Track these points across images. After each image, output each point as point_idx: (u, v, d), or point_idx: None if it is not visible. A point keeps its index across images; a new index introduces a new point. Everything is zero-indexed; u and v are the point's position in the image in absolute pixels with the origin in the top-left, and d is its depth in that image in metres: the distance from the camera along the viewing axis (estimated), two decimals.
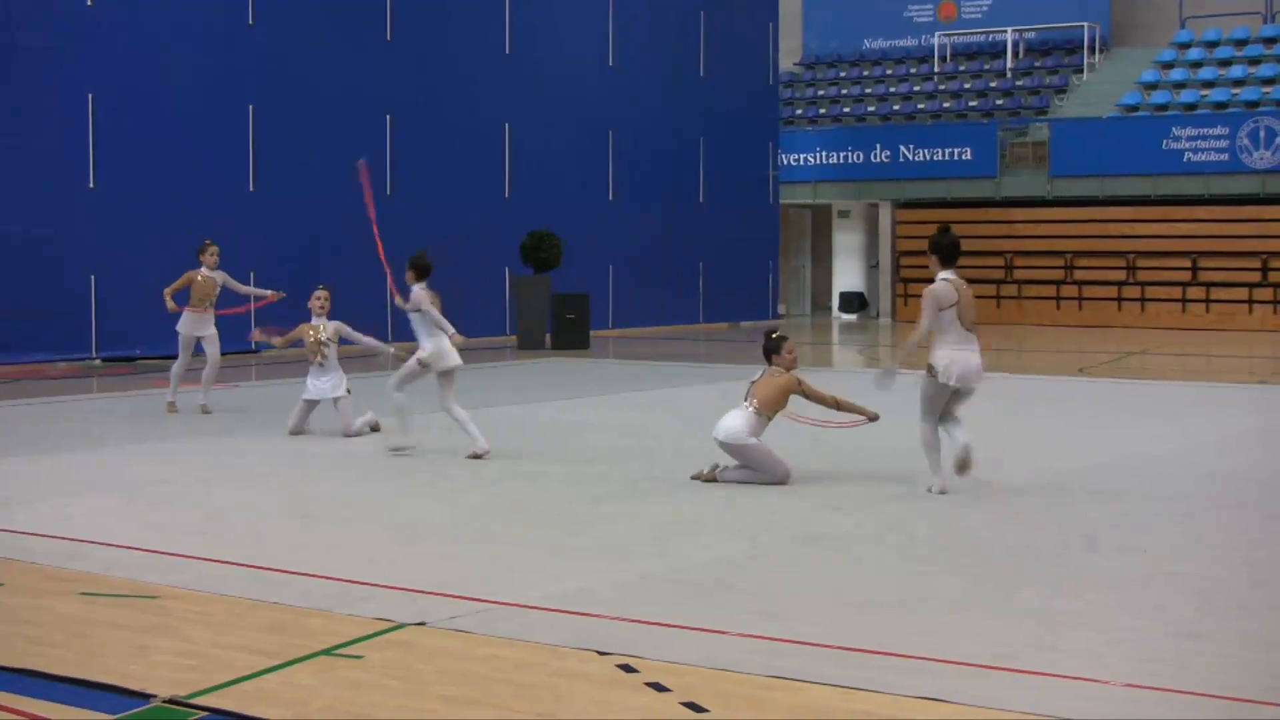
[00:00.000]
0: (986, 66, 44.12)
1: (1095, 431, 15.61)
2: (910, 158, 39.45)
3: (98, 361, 23.93)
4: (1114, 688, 6.46)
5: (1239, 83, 38.91)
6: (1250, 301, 35.19)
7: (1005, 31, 43.73)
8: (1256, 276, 35.15)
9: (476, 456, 13.41)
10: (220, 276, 17.23)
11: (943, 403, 11.74)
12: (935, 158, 39.13)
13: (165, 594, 8.17)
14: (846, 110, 43.83)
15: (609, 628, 7.40)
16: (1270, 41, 40.32)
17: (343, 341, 15.44)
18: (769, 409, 11.96)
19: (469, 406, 14.05)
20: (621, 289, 33.46)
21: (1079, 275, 37.16)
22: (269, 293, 17.32)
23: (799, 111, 44.21)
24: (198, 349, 17.21)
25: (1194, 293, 35.73)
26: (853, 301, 42.28)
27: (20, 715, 6.07)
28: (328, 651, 6.96)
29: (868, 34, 46.40)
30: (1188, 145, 35.93)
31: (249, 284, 18.73)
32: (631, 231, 33.76)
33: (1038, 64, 43.56)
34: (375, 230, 14.70)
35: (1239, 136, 35.37)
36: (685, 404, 18.20)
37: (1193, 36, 41.49)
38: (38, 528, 10.00)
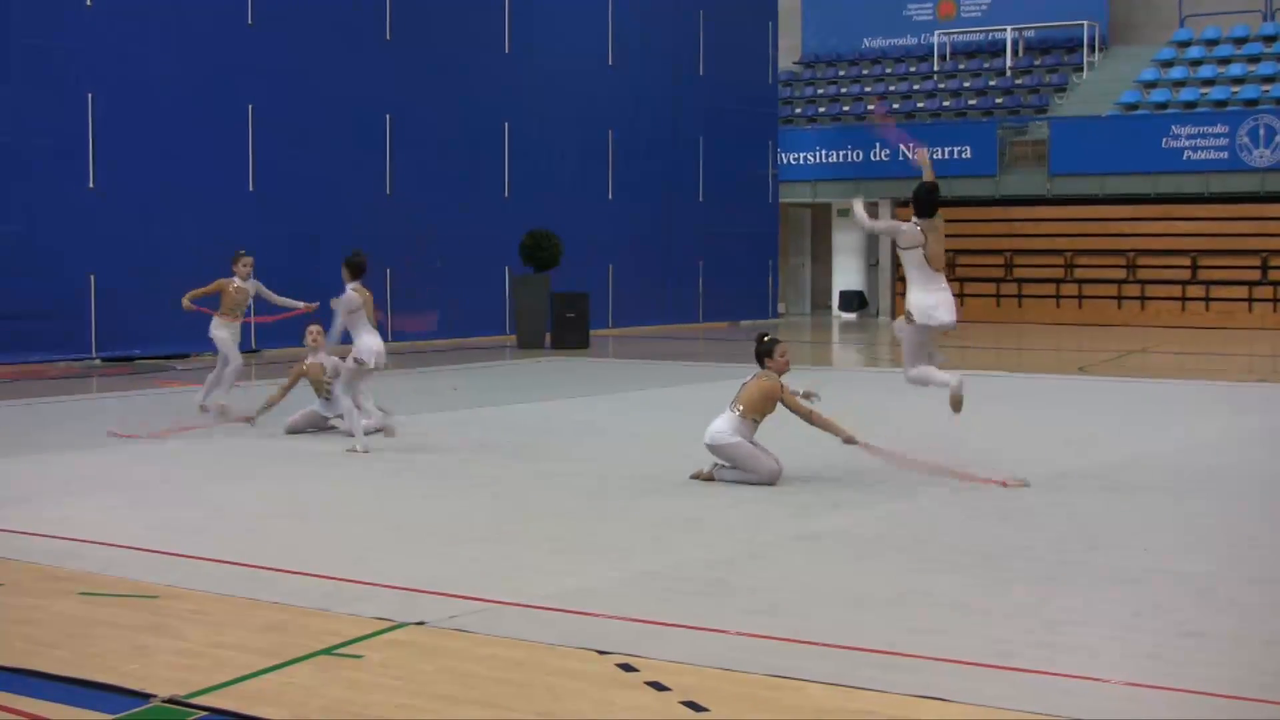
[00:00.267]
0: (986, 65, 44.12)
1: (1095, 430, 15.60)
2: (910, 156, 39.38)
3: (97, 361, 23.93)
4: (1114, 686, 6.46)
5: (1238, 81, 38.90)
6: (1250, 300, 35.18)
7: (1005, 30, 43.72)
8: (1256, 275, 35.15)
9: (353, 452, 13.76)
10: (253, 287, 17.22)
11: (926, 346, 12.45)
12: (935, 156, 38.84)
13: (164, 593, 8.16)
14: (846, 109, 43.82)
15: (608, 627, 7.39)
16: (1269, 40, 40.31)
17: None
18: (752, 412, 11.98)
19: (471, 406, 14.05)
20: (621, 288, 33.46)
21: (1079, 274, 37.16)
22: (301, 304, 17.28)
23: (798, 110, 44.20)
24: (210, 349, 17.22)
25: (1194, 291, 35.73)
26: (852, 300, 42.28)
27: (19, 715, 6.06)
28: (327, 651, 6.96)
29: (867, 32, 46.39)
30: (1187, 144, 35.93)
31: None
32: (631, 230, 33.76)
33: (1037, 62, 43.55)
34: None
35: (1238, 135, 35.36)
36: (685, 403, 18.18)
37: (1192, 35, 41.48)
38: (37, 527, 10.00)
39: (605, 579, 8.53)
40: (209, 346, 17.28)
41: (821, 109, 44.22)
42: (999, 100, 41.86)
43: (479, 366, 24.17)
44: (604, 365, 24.89)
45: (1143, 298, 36.28)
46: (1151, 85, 39.68)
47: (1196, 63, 40.31)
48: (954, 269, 37.80)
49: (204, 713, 6.08)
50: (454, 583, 8.33)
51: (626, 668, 6.66)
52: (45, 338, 23.39)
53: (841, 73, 46.06)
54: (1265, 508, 11.22)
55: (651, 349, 28.15)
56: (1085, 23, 42.19)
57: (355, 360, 14.09)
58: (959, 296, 37.46)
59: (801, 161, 41.04)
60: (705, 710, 6.08)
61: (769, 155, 38.59)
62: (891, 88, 44.30)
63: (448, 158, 29.50)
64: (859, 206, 13.15)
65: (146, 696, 6.27)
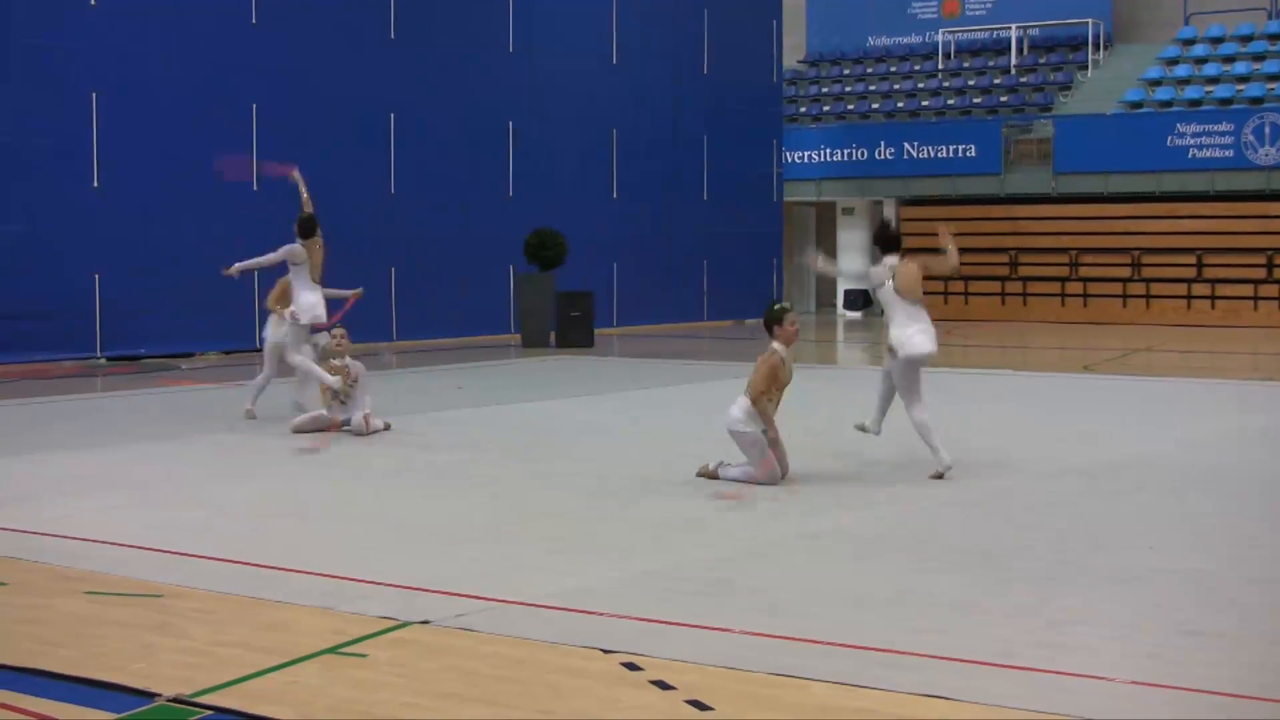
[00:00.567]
0: (990, 63, 44.10)
1: (1099, 428, 15.59)
2: (914, 155, 39.43)
3: (102, 360, 23.94)
4: (1116, 684, 6.46)
5: (1243, 79, 38.88)
6: (1255, 298, 35.17)
7: (1009, 28, 43.71)
8: (1261, 273, 35.14)
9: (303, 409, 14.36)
10: None
11: (918, 379, 12.34)
12: (939, 155, 39.11)
13: (169, 593, 8.17)
14: (850, 107, 43.82)
15: (612, 625, 7.40)
16: (1275, 38, 40.28)
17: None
18: (760, 393, 11.88)
19: (475, 405, 14.05)
20: (626, 287, 33.46)
21: (1084, 272, 37.14)
22: (349, 292, 17.29)
23: (803, 109, 44.19)
24: (251, 346, 17.20)
25: (1199, 289, 35.71)
26: (857, 299, 42.24)
27: (25, 714, 6.07)
28: (332, 650, 6.97)
29: (871, 31, 46.36)
30: (1192, 142, 35.91)
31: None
32: (635, 229, 33.77)
33: (1042, 60, 43.53)
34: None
35: (1244, 133, 35.34)
36: (688, 402, 18.19)
37: (1197, 33, 41.45)
38: (42, 527, 10.01)
39: (607, 578, 8.54)
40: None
41: (826, 107, 44.21)
42: (1004, 98, 41.84)
43: (484, 365, 24.18)
44: (608, 364, 24.89)
45: (1148, 296, 36.26)
46: (1156, 83, 39.65)
47: (1201, 60, 40.29)
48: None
49: (209, 712, 6.09)
50: (456, 582, 8.34)
51: (631, 666, 6.67)
52: (50, 337, 23.41)
53: (846, 71, 46.05)
54: (1267, 507, 11.21)
55: (656, 348, 28.15)
56: (1090, 21, 42.17)
57: (291, 316, 14.35)
58: (963, 294, 37.63)
59: (806, 160, 41.03)
60: (710, 709, 6.08)
61: (773, 154, 38.58)
62: (896, 86, 44.28)
63: (451, 157, 29.51)
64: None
65: (152, 695, 6.28)
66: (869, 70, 45.73)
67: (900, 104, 43.15)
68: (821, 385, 18.54)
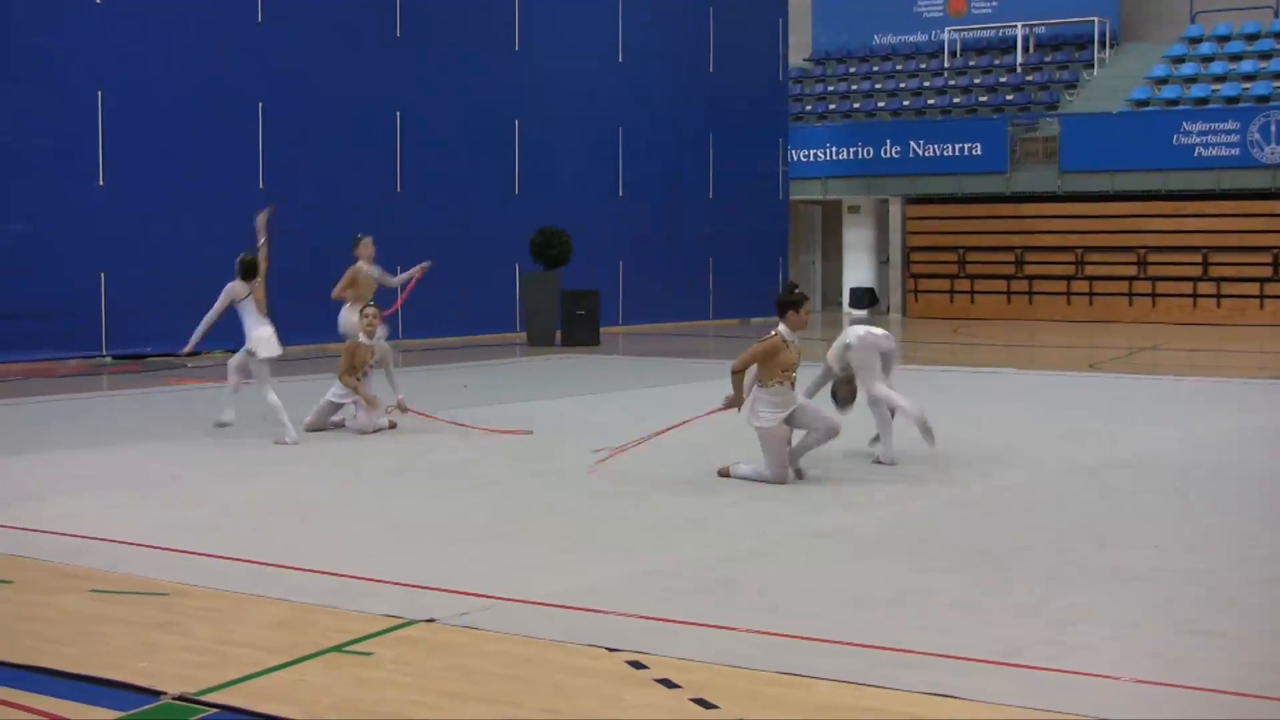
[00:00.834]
0: (996, 62, 44.07)
1: (1104, 427, 15.57)
2: (920, 153, 39.38)
3: (108, 359, 23.95)
4: (1119, 683, 6.45)
5: (1250, 77, 38.84)
6: (1261, 296, 35.12)
7: (1015, 26, 43.68)
8: (1267, 271, 35.09)
9: (282, 443, 14.04)
10: (377, 272, 17.32)
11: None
12: (945, 153, 39.06)
13: (173, 591, 8.17)
14: (856, 106, 43.79)
15: (616, 624, 7.39)
16: None
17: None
18: (769, 378, 11.76)
19: (482, 404, 14.04)
20: (631, 285, 33.44)
21: (1089, 270, 37.10)
22: (417, 269, 17.36)
23: (808, 107, 44.17)
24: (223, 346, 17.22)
25: (1205, 288, 35.67)
26: (863, 297, 42.25)
27: (30, 712, 6.07)
28: (337, 648, 6.96)
29: (877, 29, 46.34)
30: (1198, 140, 35.86)
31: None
32: (641, 227, 33.75)
33: (1047, 59, 43.50)
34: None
35: (1250, 131, 35.30)
36: (694, 400, 18.14)
37: (1203, 31, 41.41)
38: (46, 525, 10.02)
39: (612, 577, 8.53)
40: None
41: (832, 106, 44.19)
42: (1009, 97, 41.81)
43: (489, 364, 24.18)
44: (613, 363, 24.88)
45: (1154, 294, 36.23)
46: (1162, 82, 39.61)
47: (1208, 59, 40.24)
48: (964, 266, 37.87)
49: (214, 710, 6.08)
50: (461, 580, 8.33)
51: (636, 665, 6.66)
52: (55, 336, 23.42)
53: (852, 69, 46.02)
54: (1270, 506, 11.20)
55: (661, 346, 28.14)
56: (1096, 19, 42.14)
57: (248, 352, 14.58)
58: (969, 293, 37.65)
59: (812, 159, 41.01)
60: (715, 707, 6.07)
61: (779, 152, 38.56)
62: (902, 84, 44.26)
63: (457, 155, 29.51)
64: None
65: (157, 694, 6.27)
66: (875, 68, 45.71)
67: (906, 102, 43.13)
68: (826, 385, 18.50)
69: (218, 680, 6.45)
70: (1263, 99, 37.22)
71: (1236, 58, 39.95)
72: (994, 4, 44.58)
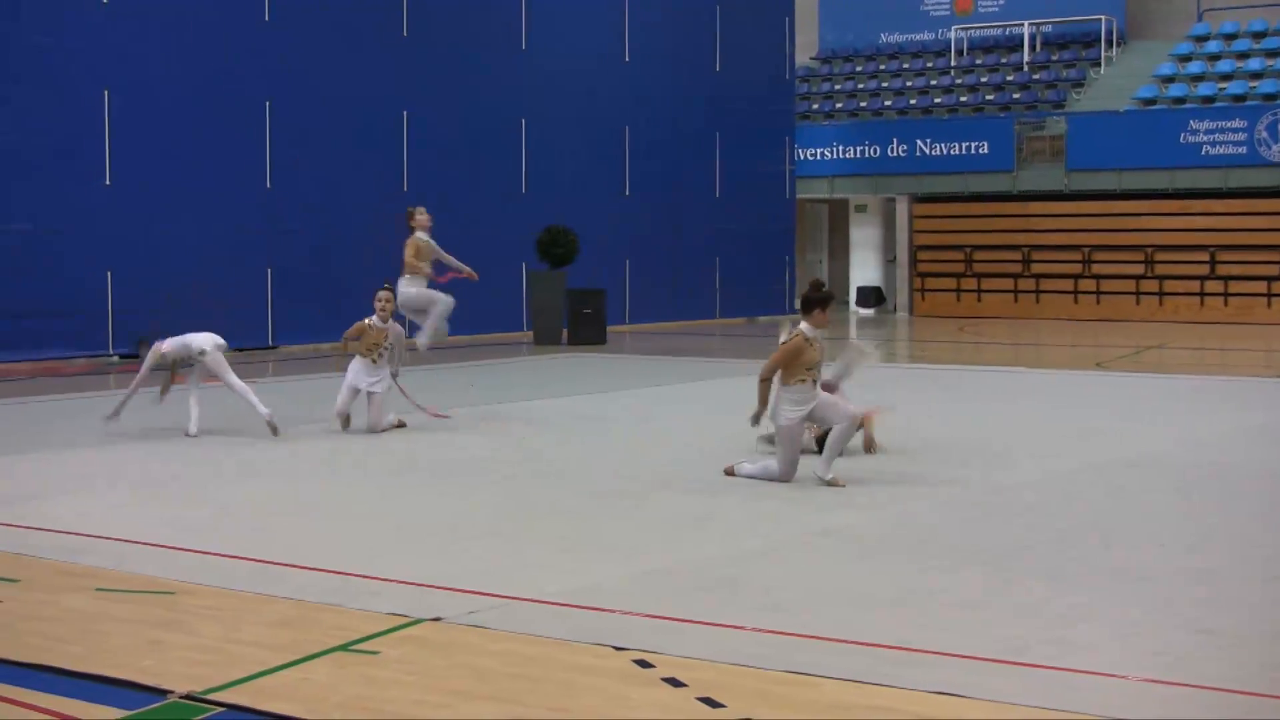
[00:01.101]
0: (1003, 60, 44.05)
1: (1111, 426, 15.55)
2: (927, 152, 39.36)
3: (114, 358, 23.95)
4: (1124, 682, 6.44)
5: (1257, 75, 38.81)
6: (1269, 295, 35.09)
7: (1022, 25, 43.67)
8: (1275, 269, 35.06)
9: (270, 425, 14.41)
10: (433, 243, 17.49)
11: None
12: (952, 152, 39.04)
13: (178, 589, 8.17)
14: (863, 104, 43.79)
15: (622, 623, 7.38)
16: None
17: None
18: (790, 377, 11.67)
19: (490, 402, 14.04)
20: (637, 284, 33.45)
21: (1096, 269, 37.08)
22: (466, 268, 17.48)
23: (815, 106, 44.17)
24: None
25: (1212, 286, 35.64)
26: (870, 296, 42.23)
27: (36, 711, 6.06)
28: (343, 647, 6.96)
29: (884, 28, 46.34)
30: (1205, 138, 35.83)
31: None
32: (647, 226, 33.75)
33: (1054, 57, 43.48)
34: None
35: (1257, 129, 35.26)
36: (700, 399, 18.18)
37: (1210, 29, 41.39)
38: (51, 523, 10.01)
39: (617, 575, 8.52)
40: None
41: (838, 105, 44.19)
42: (1016, 95, 41.79)
43: (495, 363, 24.19)
44: (620, 361, 24.87)
45: (1161, 293, 36.20)
46: (1169, 80, 39.59)
47: (1214, 57, 40.22)
48: (971, 265, 37.84)
49: (221, 709, 6.08)
50: (466, 579, 8.33)
51: (642, 663, 6.65)
52: (61, 335, 23.44)
53: (858, 68, 46.02)
54: (1274, 505, 11.18)
55: (668, 345, 28.14)
56: (1102, 17, 42.11)
57: (200, 352, 15.08)
58: (976, 292, 37.65)
59: (818, 157, 41.00)
60: (722, 706, 6.06)
61: (786, 151, 38.55)
62: (909, 83, 44.25)
63: (463, 155, 29.51)
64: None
65: (163, 692, 6.27)
66: (881, 67, 45.70)
67: (913, 101, 43.12)
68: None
69: (224, 679, 6.44)
70: (1270, 97, 37.19)
71: (1243, 55, 39.92)
72: (1001, 2, 44.58)
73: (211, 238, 25.30)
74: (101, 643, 7.10)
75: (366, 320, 15.09)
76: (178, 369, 15.26)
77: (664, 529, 10.02)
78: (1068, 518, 10.33)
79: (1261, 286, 35.16)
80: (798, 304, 12.41)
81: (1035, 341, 30.34)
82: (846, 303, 42.76)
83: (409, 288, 16.93)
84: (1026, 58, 43.47)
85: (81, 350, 23.74)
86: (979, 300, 38.12)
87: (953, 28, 44.74)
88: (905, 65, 45.43)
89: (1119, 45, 42.68)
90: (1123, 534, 9.77)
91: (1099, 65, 42.08)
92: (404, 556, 9.05)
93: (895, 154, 39.82)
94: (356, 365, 15.01)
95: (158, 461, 13.16)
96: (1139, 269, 36.52)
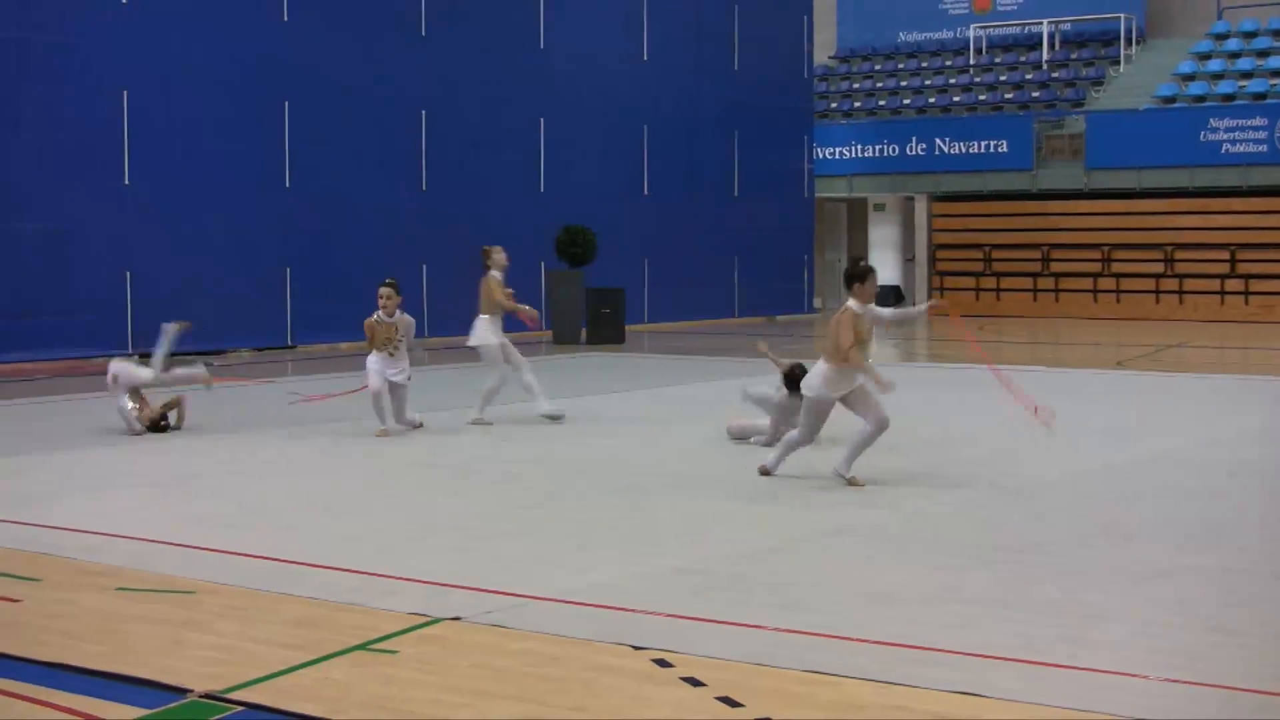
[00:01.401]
0: (1022, 59, 43.98)
1: (1130, 424, 15.53)
2: (946, 150, 39.31)
3: (134, 357, 23.94)
4: (1143, 681, 6.43)
5: (1277, 73, 38.70)
6: None
7: (1041, 23, 43.61)
8: None
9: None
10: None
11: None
12: (971, 150, 38.98)
13: (198, 588, 8.18)
14: (882, 103, 43.75)
15: (642, 622, 7.38)
16: None
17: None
18: (835, 354, 11.57)
19: (510, 402, 14.03)
20: (656, 283, 33.43)
21: (1116, 268, 37.00)
22: (527, 311, 17.25)
23: (834, 105, 44.14)
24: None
25: (1232, 285, 35.55)
26: (889, 295, 42.12)
27: (57, 709, 6.08)
28: (362, 646, 6.96)
29: (902, 26, 46.30)
30: (1225, 136, 35.74)
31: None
32: (666, 225, 33.74)
33: (1073, 56, 43.39)
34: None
35: (1277, 127, 35.15)
36: (719, 399, 18.15)
37: (1230, 27, 41.28)
38: (72, 523, 10.04)
39: (636, 574, 8.52)
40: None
41: (857, 103, 44.15)
42: (1035, 94, 41.72)
43: None
44: (639, 360, 24.87)
45: (1180, 292, 36.11)
46: (1189, 78, 39.49)
47: (1234, 55, 40.11)
48: (990, 264, 37.78)
49: (241, 708, 6.09)
50: (485, 578, 8.33)
51: (662, 663, 6.65)
52: (81, 334, 23.48)
53: (877, 67, 45.98)
54: None
55: (687, 344, 28.12)
56: (1122, 16, 42.02)
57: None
58: (995, 291, 37.56)
59: (837, 156, 40.97)
60: (741, 705, 6.06)
61: (804, 150, 38.52)
62: (928, 81, 44.19)
63: (482, 154, 29.52)
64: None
65: (183, 691, 6.28)
66: (900, 66, 45.66)
67: (932, 99, 43.06)
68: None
69: (244, 678, 6.45)
70: None
71: (1264, 54, 39.80)
72: (1020, 1, 44.48)
73: (230, 237, 25.34)
74: (122, 642, 7.11)
75: (373, 317, 15.03)
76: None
77: (681, 527, 10.01)
78: (1087, 516, 10.31)
79: None
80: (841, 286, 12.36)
81: (1054, 340, 30.28)
82: None
83: (486, 330, 16.68)
84: (1045, 56, 43.39)
85: (101, 349, 23.74)
86: (998, 299, 38.06)
87: (971, 26, 44.68)
88: (924, 64, 45.38)
89: (1138, 43, 42.58)
90: (1141, 533, 9.74)
91: (1118, 63, 41.99)
92: (422, 556, 9.05)
93: (914, 153, 39.78)
94: (373, 361, 14.95)
95: (177, 461, 13.18)
96: (1159, 268, 36.44)
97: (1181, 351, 26.48)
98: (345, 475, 12.48)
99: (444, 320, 27.77)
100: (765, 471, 11.96)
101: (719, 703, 6.10)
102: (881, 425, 11.64)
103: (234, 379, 16.87)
